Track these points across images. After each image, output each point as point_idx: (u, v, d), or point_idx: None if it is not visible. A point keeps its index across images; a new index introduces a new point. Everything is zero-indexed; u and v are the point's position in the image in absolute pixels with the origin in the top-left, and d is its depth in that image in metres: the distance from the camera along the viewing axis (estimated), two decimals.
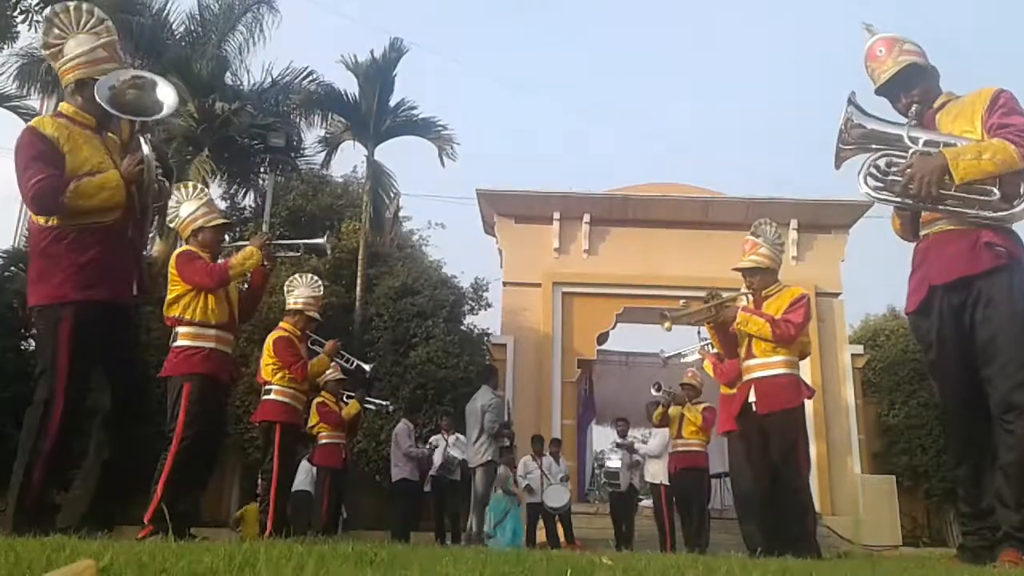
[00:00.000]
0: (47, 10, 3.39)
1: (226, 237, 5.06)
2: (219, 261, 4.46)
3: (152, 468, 4.08)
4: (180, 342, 4.28)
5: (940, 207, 3.17)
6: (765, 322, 4.53)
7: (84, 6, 3.36)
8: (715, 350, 6.12)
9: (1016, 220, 3.09)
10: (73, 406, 3.08)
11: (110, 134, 3.45)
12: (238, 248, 4.77)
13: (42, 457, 3.00)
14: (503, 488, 10.39)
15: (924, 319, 3.31)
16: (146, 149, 3.18)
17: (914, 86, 3.36)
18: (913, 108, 3.29)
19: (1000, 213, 3.08)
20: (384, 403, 9.78)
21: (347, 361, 8.36)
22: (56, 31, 3.31)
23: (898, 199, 3.22)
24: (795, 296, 4.69)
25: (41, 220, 3.23)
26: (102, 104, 3.15)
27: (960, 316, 3.16)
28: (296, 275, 6.58)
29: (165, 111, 3.28)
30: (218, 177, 15.97)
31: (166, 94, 3.29)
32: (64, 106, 3.37)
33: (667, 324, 5.00)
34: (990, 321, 3.09)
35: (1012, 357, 3.02)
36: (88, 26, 3.32)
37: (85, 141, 3.27)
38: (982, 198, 3.08)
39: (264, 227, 14.42)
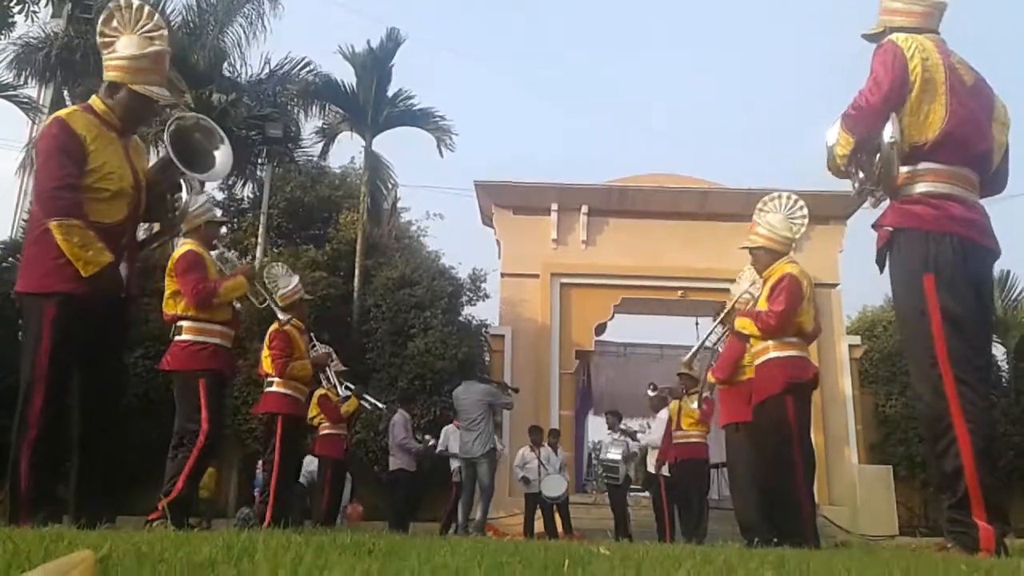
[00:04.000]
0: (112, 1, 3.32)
1: (223, 229, 5.07)
2: (215, 278, 4.43)
3: (151, 461, 4.09)
4: (185, 336, 4.30)
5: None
6: (751, 320, 4.49)
7: (146, 9, 3.32)
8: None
9: (889, 184, 3.11)
10: (56, 392, 3.07)
11: (136, 138, 3.46)
12: (225, 261, 4.81)
13: (27, 444, 2.98)
14: None
15: None
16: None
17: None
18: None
19: (870, 187, 3.22)
20: (380, 406, 9.66)
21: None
22: (114, 23, 3.28)
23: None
24: (775, 280, 4.44)
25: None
26: (172, 159, 3.19)
27: None
28: (269, 267, 6.42)
29: (212, 176, 3.25)
30: None
31: (222, 155, 3.26)
32: (95, 101, 3.32)
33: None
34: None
35: (904, 335, 3.23)
36: (144, 29, 3.29)
37: (108, 143, 3.25)
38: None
39: (262, 218, 14.38)
